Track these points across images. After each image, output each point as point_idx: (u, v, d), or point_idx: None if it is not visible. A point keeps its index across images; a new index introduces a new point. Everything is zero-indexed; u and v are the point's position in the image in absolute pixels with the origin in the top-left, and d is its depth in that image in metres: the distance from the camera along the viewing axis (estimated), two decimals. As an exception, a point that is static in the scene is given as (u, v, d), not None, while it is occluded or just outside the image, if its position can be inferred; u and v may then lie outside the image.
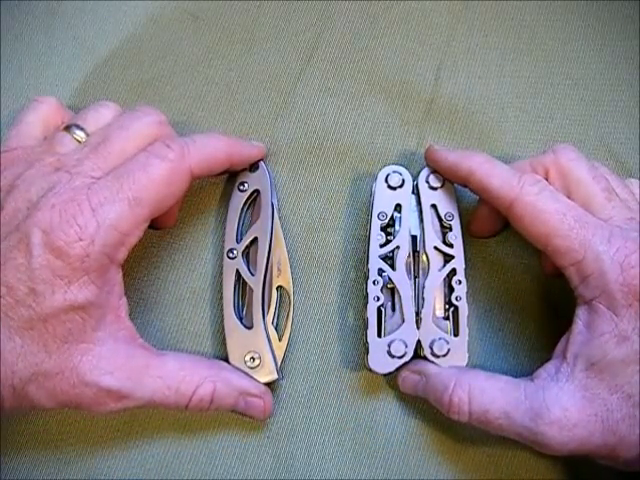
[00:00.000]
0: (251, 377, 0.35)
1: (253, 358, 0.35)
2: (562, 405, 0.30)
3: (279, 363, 0.35)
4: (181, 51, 0.40)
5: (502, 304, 0.37)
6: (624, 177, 0.35)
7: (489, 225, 0.37)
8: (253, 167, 0.37)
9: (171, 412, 0.36)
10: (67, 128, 0.33)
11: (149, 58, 0.40)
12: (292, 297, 0.37)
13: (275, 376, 0.35)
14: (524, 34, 0.40)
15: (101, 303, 0.31)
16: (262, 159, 0.37)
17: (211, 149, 0.34)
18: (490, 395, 0.31)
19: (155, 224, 0.37)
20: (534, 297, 0.37)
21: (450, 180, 0.36)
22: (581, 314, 0.31)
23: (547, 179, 0.33)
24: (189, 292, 0.37)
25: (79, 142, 0.33)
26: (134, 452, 0.36)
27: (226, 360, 0.35)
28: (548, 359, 0.32)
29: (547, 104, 0.39)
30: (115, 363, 0.31)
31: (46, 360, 0.30)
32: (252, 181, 0.37)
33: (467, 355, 0.34)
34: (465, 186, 0.35)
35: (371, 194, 0.36)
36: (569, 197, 0.32)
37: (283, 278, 0.37)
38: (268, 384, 0.35)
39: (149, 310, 0.37)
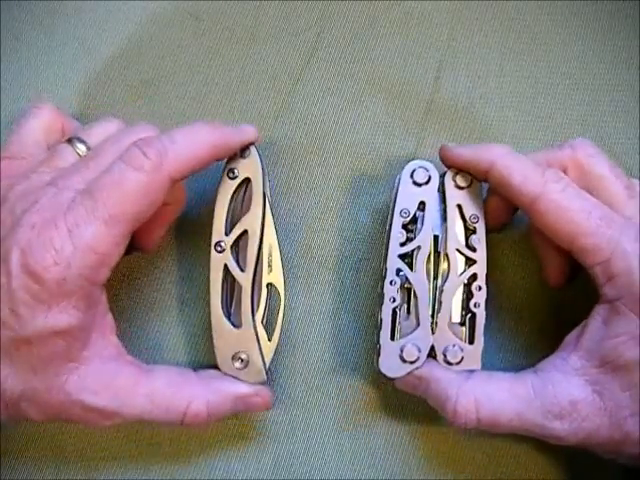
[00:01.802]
0: (239, 379, 0.33)
1: (241, 359, 0.33)
2: (573, 399, 0.30)
3: (267, 364, 0.34)
4: (181, 51, 0.40)
5: (501, 304, 0.37)
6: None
7: (497, 218, 0.35)
8: (244, 152, 0.34)
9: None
10: (69, 141, 0.33)
11: (149, 58, 0.40)
12: (283, 295, 0.35)
13: (263, 377, 0.34)
14: (524, 34, 0.40)
15: (85, 325, 0.30)
16: (254, 143, 0.34)
17: (193, 149, 0.31)
18: (498, 399, 0.31)
19: (138, 247, 0.35)
20: (534, 297, 0.37)
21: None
22: (601, 311, 0.31)
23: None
24: (189, 292, 0.37)
25: (80, 156, 0.32)
26: (134, 453, 0.36)
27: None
28: (552, 351, 0.32)
29: (547, 104, 0.39)
30: (101, 382, 0.31)
31: (34, 379, 0.30)
32: (243, 168, 0.34)
33: (480, 364, 0.33)
34: (484, 181, 0.34)
35: (394, 188, 0.35)
36: (590, 194, 0.32)
37: (274, 275, 0.35)
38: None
39: (149, 310, 0.37)
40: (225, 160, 0.34)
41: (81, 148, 0.33)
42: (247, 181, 0.34)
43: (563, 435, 0.30)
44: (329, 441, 0.36)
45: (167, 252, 0.38)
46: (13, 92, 0.39)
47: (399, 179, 0.34)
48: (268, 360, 0.34)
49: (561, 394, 0.30)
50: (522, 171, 0.32)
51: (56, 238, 0.29)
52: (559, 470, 0.36)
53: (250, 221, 0.34)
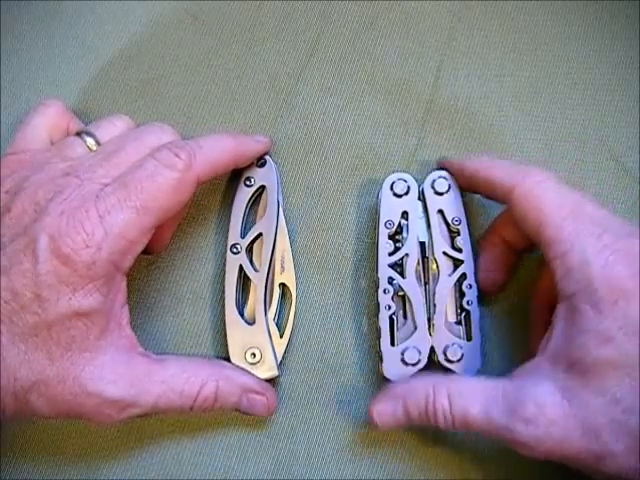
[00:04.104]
0: (251, 373, 0.35)
1: (254, 354, 0.35)
2: (537, 402, 0.29)
3: (279, 360, 0.36)
4: (181, 51, 0.40)
5: (500, 304, 0.37)
6: (624, 177, 0.35)
7: (491, 279, 0.36)
8: (260, 162, 0.37)
9: (171, 413, 0.36)
10: (78, 134, 0.34)
11: (149, 58, 0.40)
12: (294, 295, 0.37)
13: (275, 372, 0.35)
14: (524, 34, 0.40)
15: (105, 311, 0.31)
16: (268, 153, 0.37)
17: (217, 154, 0.34)
18: (469, 397, 0.31)
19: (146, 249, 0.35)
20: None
21: (461, 186, 0.36)
22: (562, 311, 0.30)
23: None
24: (189, 292, 0.37)
25: (90, 149, 0.34)
26: (134, 453, 0.36)
27: (226, 360, 0.35)
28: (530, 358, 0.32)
29: (547, 104, 0.39)
30: (117, 372, 0.31)
31: (49, 368, 0.30)
32: (259, 177, 0.37)
33: (481, 359, 0.34)
34: (474, 191, 0.35)
35: (377, 201, 0.36)
36: None
37: (286, 276, 0.37)
38: (268, 381, 0.35)
39: (149, 310, 0.37)
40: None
41: (90, 141, 0.34)
42: (261, 188, 0.37)
43: (528, 440, 0.29)
44: (329, 441, 0.36)
45: (167, 252, 0.38)
46: (13, 92, 0.39)
47: (380, 193, 0.36)
48: (280, 356, 0.36)
49: (527, 397, 0.29)
50: (502, 167, 0.33)
51: (87, 223, 0.30)
52: (560, 471, 0.36)
53: (265, 225, 0.36)
